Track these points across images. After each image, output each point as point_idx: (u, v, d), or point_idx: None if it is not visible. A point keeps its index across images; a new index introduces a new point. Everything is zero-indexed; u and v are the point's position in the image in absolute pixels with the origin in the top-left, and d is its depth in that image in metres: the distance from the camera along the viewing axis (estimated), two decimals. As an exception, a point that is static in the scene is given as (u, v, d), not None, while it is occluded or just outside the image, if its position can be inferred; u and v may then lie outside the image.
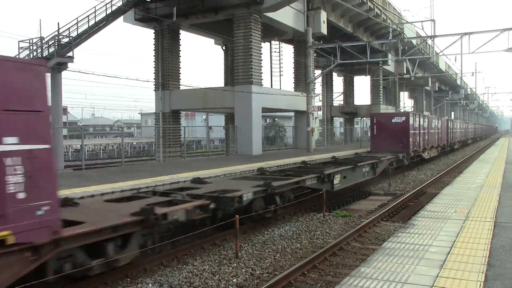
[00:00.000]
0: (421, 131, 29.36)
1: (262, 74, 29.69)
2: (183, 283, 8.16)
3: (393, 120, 26.89)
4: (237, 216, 9.75)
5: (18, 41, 27.06)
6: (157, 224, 8.29)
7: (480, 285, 5.64)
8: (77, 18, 27.60)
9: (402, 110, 68.87)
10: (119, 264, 7.64)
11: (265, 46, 34.14)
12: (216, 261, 9.42)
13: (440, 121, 37.68)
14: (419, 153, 28.87)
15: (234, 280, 8.32)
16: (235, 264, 9.22)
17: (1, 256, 5.64)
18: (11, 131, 5.65)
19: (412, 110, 78.40)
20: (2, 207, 5.55)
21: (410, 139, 26.52)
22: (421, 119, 29.95)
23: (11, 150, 5.63)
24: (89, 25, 27.49)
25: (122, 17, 30.11)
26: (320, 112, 45.61)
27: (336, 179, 15.78)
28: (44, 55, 25.95)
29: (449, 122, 43.26)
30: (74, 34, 27.18)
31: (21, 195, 5.72)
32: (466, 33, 26.87)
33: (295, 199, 13.63)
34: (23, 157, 5.75)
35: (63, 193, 11.57)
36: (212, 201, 9.92)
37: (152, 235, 8.39)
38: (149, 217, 7.96)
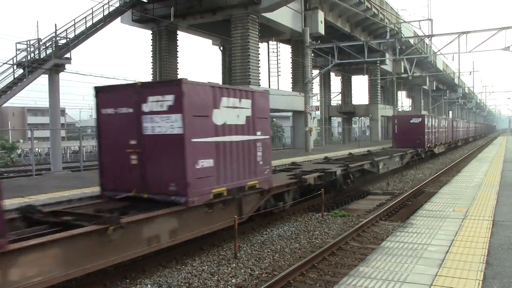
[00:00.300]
0: (433, 130, 34.09)
1: (260, 74, 29.72)
2: (182, 284, 8.16)
3: (411, 121, 32.17)
4: (235, 217, 9.75)
5: (16, 43, 27.06)
6: (302, 184, 13.54)
7: (479, 283, 5.65)
8: (74, 20, 27.56)
9: (400, 110, 69.07)
10: (286, 207, 13.12)
11: (262, 46, 34.19)
12: (215, 262, 9.42)
13: (447, 121, 43.03)
14: (431, 148, 33.99)
15: (233, 281, 8.32)
16: (234, 265, 9.22)
17: (254, 194, 11.01)
18: (259, 129, 10.95)
19: (410, 109, 78.59)
20: (255, 168, 10.75)
21: (426, 137, 31.54)
22: (433, 120, 34.63)
23: (259, 138, 10.95)
24: (87, 26, 27.45)
25: (119, 18, 30.09)
26: (318, 112, 45.63)
27: (380, 165, 21.03)
28: (41, 57, 25.90)
29: (453, 122, 48.65)
30: (71, 35, 27.14)
31: (260, 162, 10.97)
32: (463, 32, 26.93)
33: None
34: (262, 142, 11.04)
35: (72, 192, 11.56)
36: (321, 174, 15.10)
37: (297, 192, 13.71)
38: (300, 180, 13.39)
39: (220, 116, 9.54)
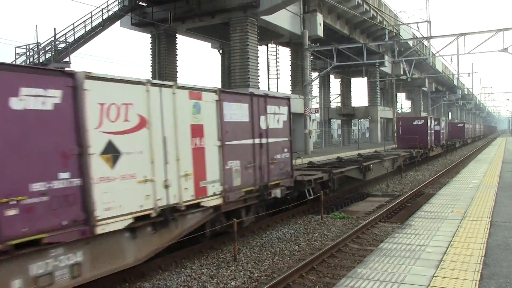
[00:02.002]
0: (432, 131, 35.39)
1: (259, 77, 29.78)
2: (181, 287, 8.19)
3: (414, 123, 33.18)
4: (234, 219, 9.79)
5: (15, 47, 27.12)
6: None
7: (476, 284, 5.68)
8: (73, 24, 27.70)
9: (400, 112, 69.13)
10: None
11: (261, 49, 34.28)
12: (215, 265, 9.44)
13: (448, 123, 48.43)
14: (433, 149, 35.28)
15: (232, 283, 8.34)
16: (234, 267, 9.24)
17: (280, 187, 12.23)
18: (284, 134, 12.80)
19: (410, 111, 78.64)
20: (287, 167, 12.79)
21: (428, 138, 32.75)
22: (434, 121, 36.64)
23: (284, 140, 12.76)
24: (86, 30, 27.56)
25: (118, 22, 30.18)
26: (317, 114, 45.69)
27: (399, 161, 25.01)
28: (40, 61, 25.99)
29: (465, 124, 57.83)
30: (70, 39, 27.26)
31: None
32: (461, 34, 27.01)
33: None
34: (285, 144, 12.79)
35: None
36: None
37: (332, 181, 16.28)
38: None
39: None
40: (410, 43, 44.83)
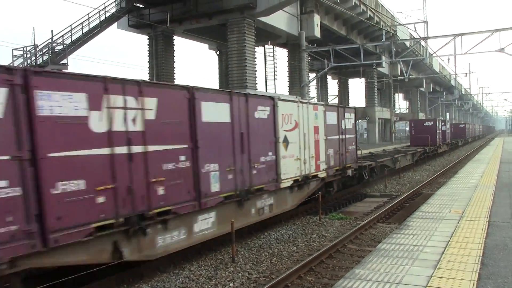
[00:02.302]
0: (440, 131, 40.02)
1: (256, 78, 29.78)
2: (179, 288, 8.17)
3: (425, 124, 37.53)
4: (232, 220, 9.79)
5: (12, 49, 27.07)
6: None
7: (474, 284, 5.69)
8: (71, 26, 27.66)
9: (397, 112, 69.17)
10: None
11: (259, 50, 34.30)
12: (213, 266, 9.43)
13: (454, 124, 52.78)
14: (441, 146, 40.39)
15: (230, 285, 8.33)
16: (232, 268, 9.23)
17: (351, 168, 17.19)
18: (352, 132, 17.70)
19: (407, 111, 78.72)
20: (354, 155, 17.91)
21: (437, 137, 37.49)
22: (441, 123, 41.34)
23: (352, 136, 17.59)
24: (83, 32, 27.53)
25: (116, 23, 30.16)
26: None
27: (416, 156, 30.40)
28: (38, 63, 25.95)
29: (466, 125, 63.19)
30: (68, 41, 27.22)
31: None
32: (458, 34, 27.06)
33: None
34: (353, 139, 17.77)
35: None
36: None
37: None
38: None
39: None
40: (407, 43, 44.88)
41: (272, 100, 12.00)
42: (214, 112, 9.66)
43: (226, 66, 31.62)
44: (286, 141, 12.43)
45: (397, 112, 70.75)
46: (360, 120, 65.70)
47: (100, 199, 7.10)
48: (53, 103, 6.49)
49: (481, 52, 31.58)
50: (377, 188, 21.39)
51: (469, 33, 27.13)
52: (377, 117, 54.27)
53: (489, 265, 6.42)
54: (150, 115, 8.06)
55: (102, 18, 28.19)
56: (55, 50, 26.65)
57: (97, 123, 7.10)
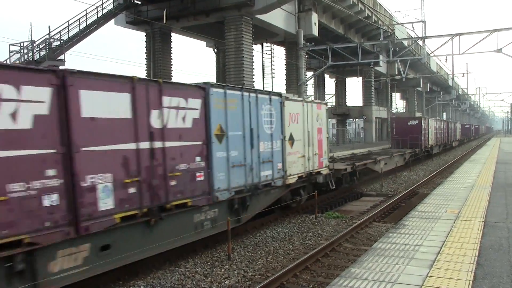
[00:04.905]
0: (453, 130, 46.99)
1: (254, 76, 29.74)
2: (175, 286, 8.17)
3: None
4: (228, 218, 9.77)
5: (9, 45, 26.96)
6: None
7: (469, 284, 5.69)
8: (68, 21, 27.55)
9: (394, 111, 69.23)
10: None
11: (256, 48, 34.18)
12: (209, 263, 9.42)
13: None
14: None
15: (226, 282, 8.33)
16: (227, 266, 9.23)
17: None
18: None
19: (404, 111, 78.81)
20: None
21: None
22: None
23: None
24: (80, 28, 27.42)
25: (113, 20, 30.06)
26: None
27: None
28: (35, 59, 25.84)
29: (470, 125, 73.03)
30: (65, 37, 27.11)
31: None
32: (456, 34, 27.08)
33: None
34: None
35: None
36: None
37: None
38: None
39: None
40: (405, 43, 44.95)
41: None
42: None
43: (224, 64, 31.54)
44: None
45: (394, 111, 70.83)
46: (357, 119, 65.84)
47: (131, 190, 7.70)
48: (89, 101, 7.04)
49: (479, 52, 31.62)
50: (373, 187, 21.42)
51: (467, 33, 27.16)
52: (374, 116, 54.30)
53: (484, 265, 6.43)
54: (195, 115, 9.30)
55: (100, 14, 28.08)
56: (52, 46, 26.53)
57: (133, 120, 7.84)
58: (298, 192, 14.24)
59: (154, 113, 8.28)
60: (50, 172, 6.49)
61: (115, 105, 7.53)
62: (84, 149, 6.93)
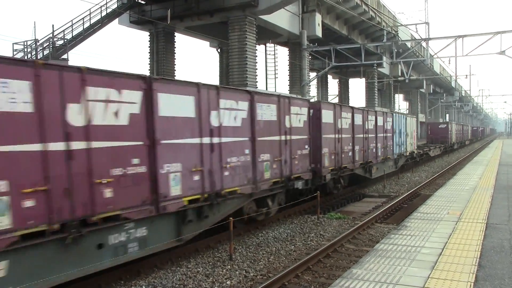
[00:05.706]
0: (464, 131, 53.87)
1: (257, 77, 29.74)
2: (176, 286, 8.19)
3: (439, 126, 48.26)
4: (231, 218, 9.79)
5: (13, 43, 27.03)
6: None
7: (471, 285, 5.70)
8: (72, 21, 27.60)
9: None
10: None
11: (260, 48, 34.21)
12: (210, 263, 9.44)
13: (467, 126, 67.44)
14: (452, 144, 50.00)
15: (228, 283, 8.34)
16: (229, 266, 9.24)
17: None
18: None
19: (407, 112, 78.64)
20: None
21: (449, 137, 47.04)
22: (455, 125, 52.01)
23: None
24: (84, 27, 27.47)
25: (117, 19, 30.11)
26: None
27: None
28: (38, 58, 25.90)
29: (478, 127, 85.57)
30: (69, 36, 27.16)
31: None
32: (459, 36, 27.05)
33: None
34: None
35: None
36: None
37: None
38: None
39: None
40: (409, 44, 44.87)
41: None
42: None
43: (227, 64, 31.55)
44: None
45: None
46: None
47: (196, 177, 9.26)
48: (164, 103, 8.51)
49: (482, 54, 31.56)
50: (375, 188, 21.40)
51: (470, 35, 27.13)
52: (377, 117, 54.17)
53: (486, 267, 6.43)
54: (243, 114, 10.81)
55: (104, 14, 28.13)
56: (56, 45, 26.59)
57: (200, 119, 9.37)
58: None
59: (213, 113, 9.86)
60: (138, 160, 7.95)
61: (183, 106, 9.06)
62: (162, 141, 8.47)
